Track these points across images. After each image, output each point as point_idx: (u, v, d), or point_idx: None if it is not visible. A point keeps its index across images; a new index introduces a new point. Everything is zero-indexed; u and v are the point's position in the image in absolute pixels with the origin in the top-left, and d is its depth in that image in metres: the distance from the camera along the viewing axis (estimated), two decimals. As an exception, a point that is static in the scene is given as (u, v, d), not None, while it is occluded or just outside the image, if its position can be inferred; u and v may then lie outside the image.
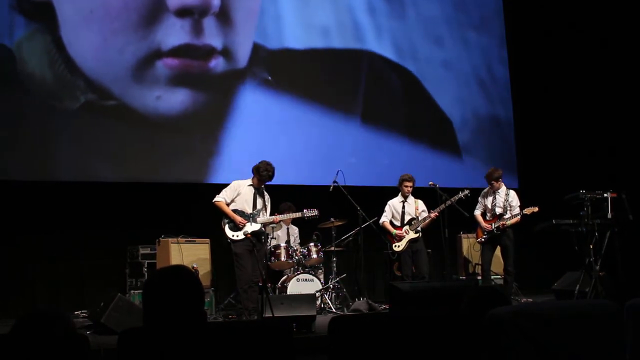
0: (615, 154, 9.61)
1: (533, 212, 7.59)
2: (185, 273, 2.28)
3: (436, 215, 7.67)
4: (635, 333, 2.43)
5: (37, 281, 7.21)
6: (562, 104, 10.02)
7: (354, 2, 9.28)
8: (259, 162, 6.92)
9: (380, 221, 7.90)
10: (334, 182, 7.66)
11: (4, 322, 6.12)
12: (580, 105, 9.91)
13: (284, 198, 7.77)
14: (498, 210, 7.75)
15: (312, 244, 7.69)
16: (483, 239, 7.77)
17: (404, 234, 7.75)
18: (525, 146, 9.99)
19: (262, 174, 6.86)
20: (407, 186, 7.81)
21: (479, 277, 8.15)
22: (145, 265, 7.40)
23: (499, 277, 8.06)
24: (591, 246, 7.07)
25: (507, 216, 7.64)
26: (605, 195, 7.36)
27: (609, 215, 7.24)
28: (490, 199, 7.85)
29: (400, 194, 7.91)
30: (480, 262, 7.99)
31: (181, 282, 2.24)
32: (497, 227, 7.64)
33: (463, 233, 8.81)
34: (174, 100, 8.10)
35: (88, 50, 7.73)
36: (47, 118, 7.50)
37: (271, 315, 5.58)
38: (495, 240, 7.73)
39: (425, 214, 7.80)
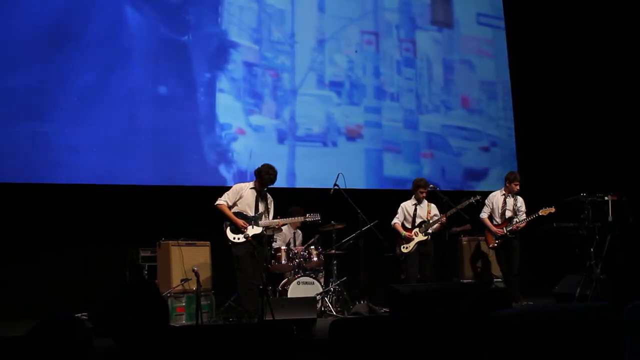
0: (616, 157, 9.60)
1: (550, 213, 7.56)
2: (148, 290, 2.26)
3: (445, 220, 7.72)
4: (635, 336, 2.43)
5: (36, 283, 7.19)
6: (563, 106, 10.00)
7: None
8: (261, 165, 6.94)
9: (392, 222, 7.97)
10: (335, 185, 7.66)
11: (4, 324, 6.14)
12: (581, 108, 9.89)
13: (285, 200, 7.76)
14: (508, 214, 7.75)
15: (312, 246, 7.69)
16: (496, 244, 7.77)
17: (413, 236, 7.79)
18: (526, 149, 9.98)
19: (264, 178, 6.86)
20: (422, 192, 7.87)
21: (497, 280, 8.12)
22: (146, 268, 7.37)
23: (499, 279, 8.05)
24: (592, 249, 7.07)
25: (517, 219, 7.64)
26: (605, 198, 7.36)
27: (610, 218, 7.24)
28: (500, 202, 7.84)
29: (413, 197, 7.95)
30: (495, 267, 8.03)
31: (145, 300, 2.22)
32: (511, 231, 7.65)
33: (464, 236, 8.80)
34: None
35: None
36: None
37: (271, 318, 5.58)
38: (507, 244, 7.74)
39: (437, 218, 7.83)
